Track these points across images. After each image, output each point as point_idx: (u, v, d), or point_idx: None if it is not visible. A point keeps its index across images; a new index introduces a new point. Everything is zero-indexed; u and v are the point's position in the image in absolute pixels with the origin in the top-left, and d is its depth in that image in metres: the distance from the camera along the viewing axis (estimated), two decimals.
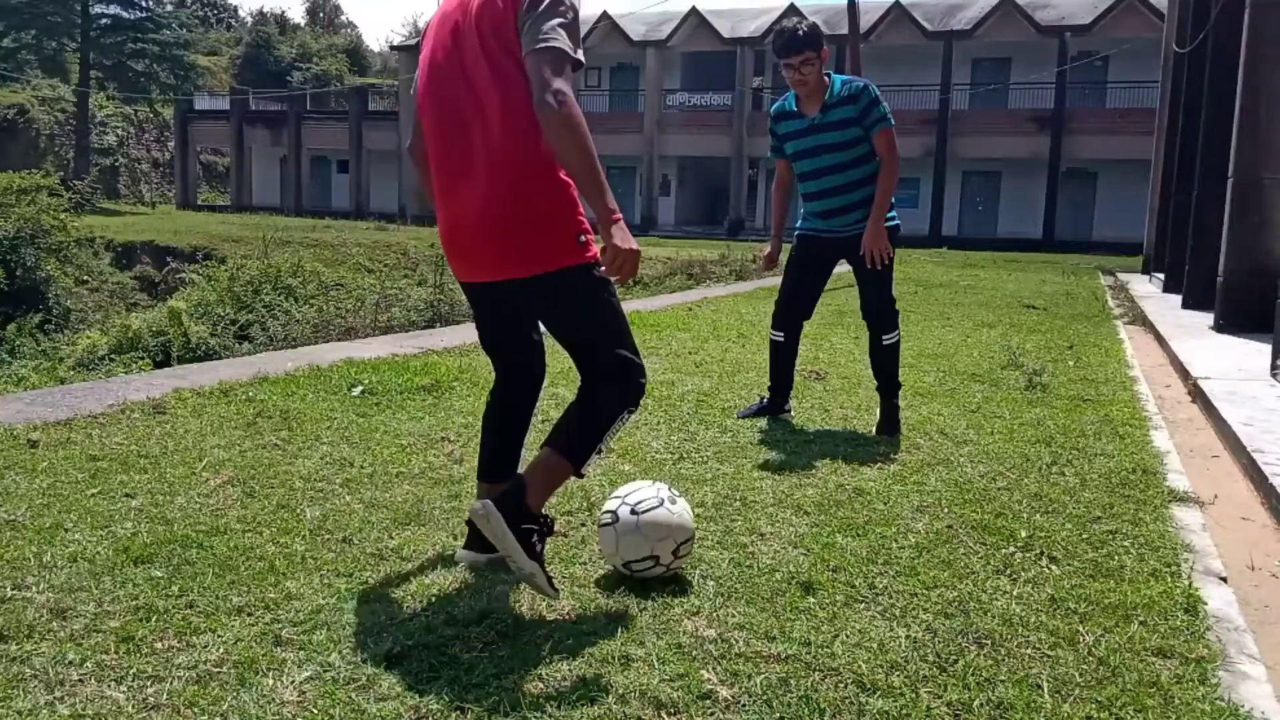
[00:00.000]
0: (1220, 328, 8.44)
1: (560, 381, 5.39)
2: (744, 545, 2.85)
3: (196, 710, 1.89)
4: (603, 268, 2.32)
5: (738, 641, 2.23)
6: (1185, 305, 10.60)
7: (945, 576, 2.66)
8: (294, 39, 62.94)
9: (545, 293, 2.46)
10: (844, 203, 4.31)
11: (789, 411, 4.68)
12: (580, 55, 2.31)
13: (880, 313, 4.43)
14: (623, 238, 2.25)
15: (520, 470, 2.63)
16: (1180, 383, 6.39)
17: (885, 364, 4.48)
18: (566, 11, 2.31)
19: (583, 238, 2.40)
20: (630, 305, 9.97)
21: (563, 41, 2.27)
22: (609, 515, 2.58)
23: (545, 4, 2.29)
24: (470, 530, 2.59)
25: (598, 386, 2.48)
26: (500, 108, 2.35)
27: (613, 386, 2.46)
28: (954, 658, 2.19)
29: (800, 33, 4.08)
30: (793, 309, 4.62)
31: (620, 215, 2.30)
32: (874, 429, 4.44)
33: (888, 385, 4.47)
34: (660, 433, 4.23)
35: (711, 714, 1.94)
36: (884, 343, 4.45)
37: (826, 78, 4.22)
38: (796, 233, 4.54)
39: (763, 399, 4.71)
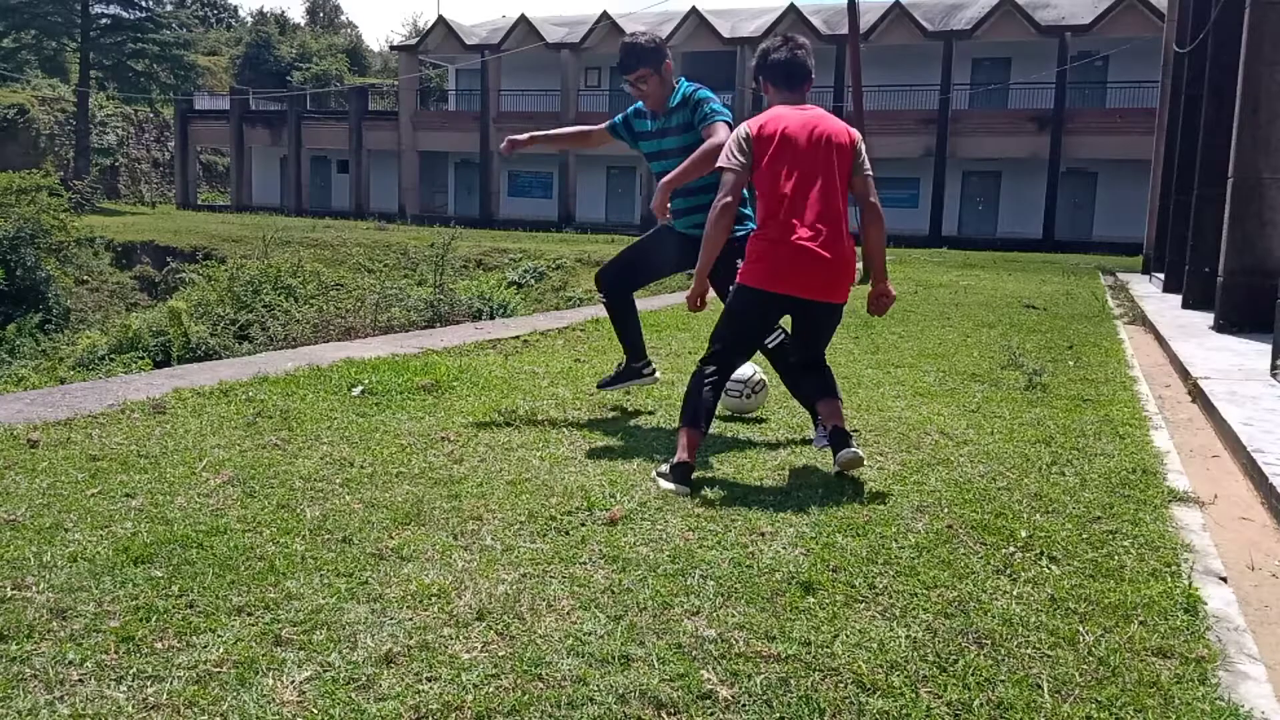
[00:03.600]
0: (1220, 328, 8.45)
1: (560, 382, 5.40)
2: (744, 545, 2.85)
3: (196, 710, 1.89)
4: (870, 307, 3.86)
5: (738, 641, 2.23)
6: (1185, 305, 10.60)
7: (945, 576, 2.66)
8: (294, 39, 62.96)
9: (836, 311, 3.75)
10: (685, 205, 4.29)
11: (652, 374, 4.70)
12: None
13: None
14: (890, 288, 3.84)
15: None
16: (1180, 383, 6.39)
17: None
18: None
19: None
20: None
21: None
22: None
23: (865, 151, 3.72)
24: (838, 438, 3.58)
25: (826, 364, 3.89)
26: (841, 200, 3.63)
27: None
28: (954, 658, 2.19)
29: (633, 51, 4.19)
30: (624, 276, 4.59)
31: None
32: (873, 429, 4.44)
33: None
34: (661, 433, 4.23)
35: (711, 714, 1.94)
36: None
37: (676, 84, 4.26)
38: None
39: (619, 366, 4.75)
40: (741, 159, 3.62)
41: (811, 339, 3.81)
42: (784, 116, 3.66)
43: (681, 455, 3.45)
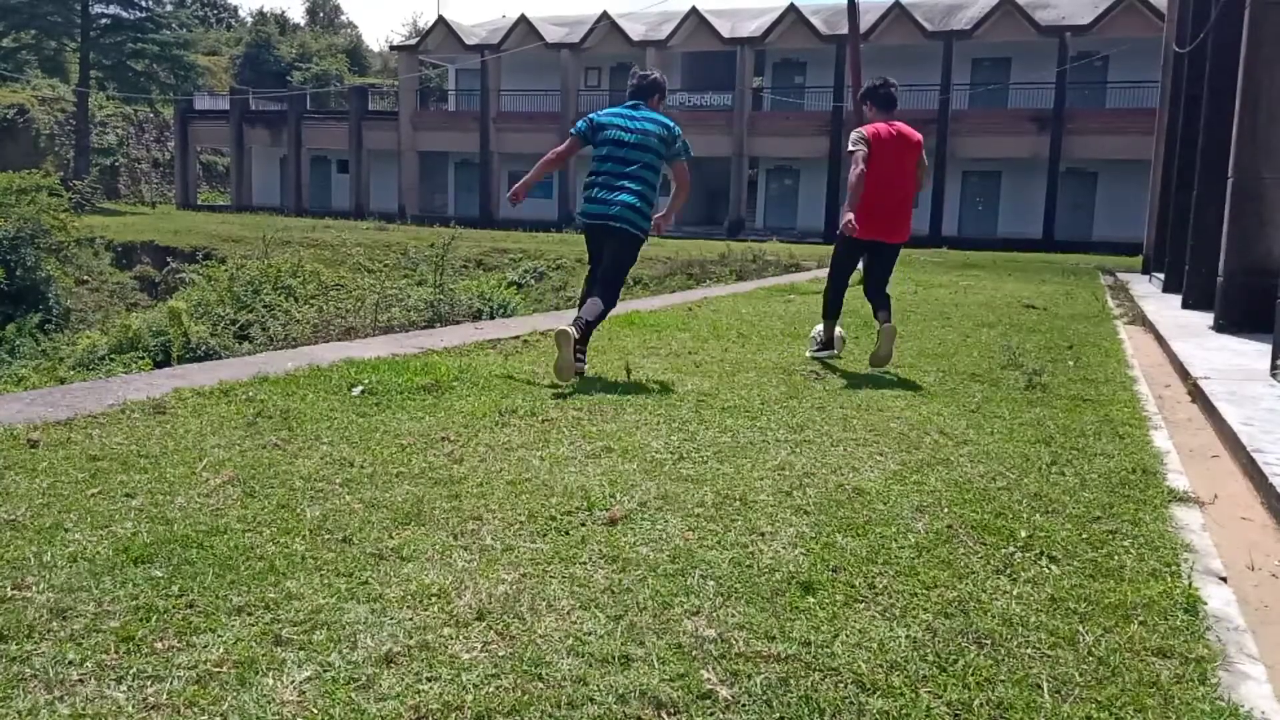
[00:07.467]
0: (1220, 328, 8.44)
1: (560, 381, 5.39)
2: (744, 545, 2.85)
3: (196, 710, 1.89)
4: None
5: (738, 641, 2.23)
6: (1185, 305, 10.60)
7: (945, 576, 2.66)
8: (294, 39, 62.99)
9: (898, 250, 6.37)
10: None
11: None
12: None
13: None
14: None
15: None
16: (1180, 383, 6.39)
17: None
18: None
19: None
20: (630, 305, 9.98)
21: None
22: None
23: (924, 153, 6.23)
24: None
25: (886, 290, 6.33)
26: (910, 182, 6.20)
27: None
28: (954, 658, 2.19)
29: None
30: None
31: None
32: (873, 429, 4.44)
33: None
34: (660, 433, 4.23)
35: (711, 714, 1.94)
36: None
37: None
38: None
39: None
40: (864, 148, 5.92)
41: (878, 267, 6.30)
42: (883, 129, 6.02)
43: (822, 337, 6.46)
